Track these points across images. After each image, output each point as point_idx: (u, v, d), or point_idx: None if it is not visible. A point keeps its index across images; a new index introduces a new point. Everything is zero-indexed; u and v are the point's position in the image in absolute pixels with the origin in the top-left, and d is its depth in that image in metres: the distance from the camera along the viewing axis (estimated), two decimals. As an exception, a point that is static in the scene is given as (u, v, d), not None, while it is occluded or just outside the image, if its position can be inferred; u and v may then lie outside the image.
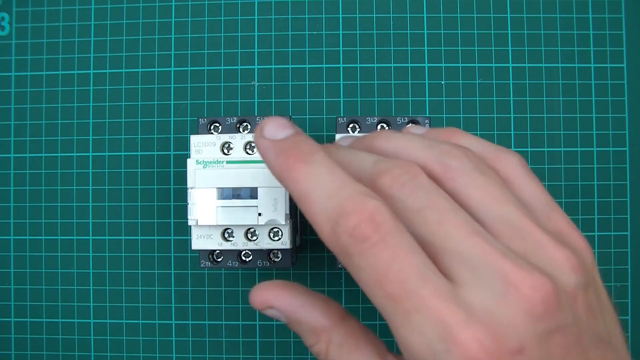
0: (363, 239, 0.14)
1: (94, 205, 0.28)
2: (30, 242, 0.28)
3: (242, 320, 0.27)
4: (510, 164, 0.17)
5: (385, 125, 0.22)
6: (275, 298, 0.17)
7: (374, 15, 0.28)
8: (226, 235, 0.22)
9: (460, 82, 0.28)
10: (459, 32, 0.28)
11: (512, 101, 0.28)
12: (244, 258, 0.23)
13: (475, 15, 0.28)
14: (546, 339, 0.13)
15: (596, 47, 0.28)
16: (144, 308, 0.28)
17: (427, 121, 0.22)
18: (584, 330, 0.14)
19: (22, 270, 0.28)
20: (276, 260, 0.23)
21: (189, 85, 0.28)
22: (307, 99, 0.28)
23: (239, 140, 0.22)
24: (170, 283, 0.28)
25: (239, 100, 0.28)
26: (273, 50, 0.28)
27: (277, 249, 0.22)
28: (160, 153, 0.28)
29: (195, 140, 0.22)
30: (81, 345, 0.28)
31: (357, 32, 0.28)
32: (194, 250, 0.23)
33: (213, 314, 0.27)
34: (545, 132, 0.27)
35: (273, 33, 0.28)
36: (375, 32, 0.28)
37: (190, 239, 0.23)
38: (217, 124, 0.23)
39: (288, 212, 0.22)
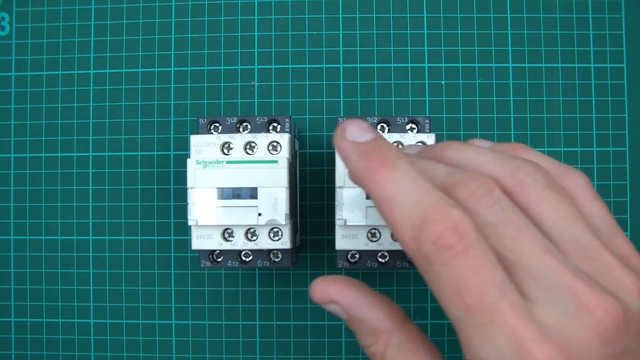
0: (446, 248, 0.14)
1: (94, 205, 0.28)
2: (30, 242, 0.28)
3: (242, 320, 0.27)
4: (578, 183, 0.17)
5: (385, 125, 0.22)
6: (339, 293, 0.17)
7: (374, 15, 0.28)
8: (226, 235, 0.22)
9: (460, 82, 0.28)
10: (459, 32, 0.28)
11: (512, 101, 0.28)
12: (244, 258, 0.23)
13: (475, 15, 0.28)
14: None
15: (596, 47, 0.28)
16: (144, 308, 0.28)
17: (427, 121, 0.22)
18: None
19: (22, 270, 0.28)
20: (276, 260, 0.23)
21: (189, 85, 0.28)
22: (307, 99, 0.28)
23: (239, 140, 0.22)
24: (170, 283, 0.28)
25: (239, 100, 0.28)
26: (273, 50, 0.28)
27: (277, 249, 0.22)
28: (160, 153, 0.28)
29: (195, 140, 0.22)
30: (81, 345, 0.28)
31: (357, 32, 0.28)
32: (194, 250, 0.23)
33: (213, 314, 0.27)
34: (545, 132, 0.27)
35: (273, 33, 0.28)
36: (375, 32, 0.28)
37: (190, 239, 0.23)
38: (217, 124, 0.23)
39: (288, 212, 0.22)
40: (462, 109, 0.27)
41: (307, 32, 0.28)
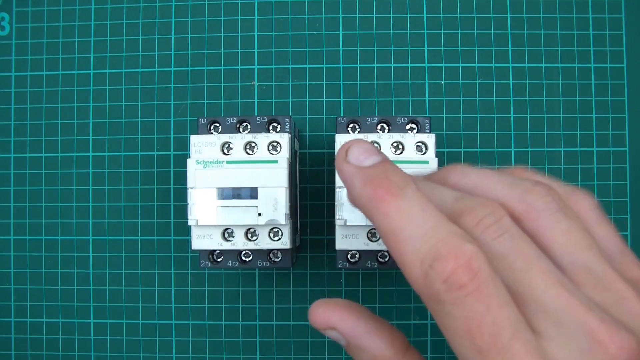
0: (458, 287, 0.13)
1: (94, 205, 0.28)
2: (30, 242, 0.28)
3: (242, 320, 0.27)
4: (584, 205, 0.16)
5: (385, 125, 0.22)
6: (340, 320, 0.17)
7: (374, 15, 0.28)
8: (226, 235, 0.22)
9: (460, 82, 0.28)
10: (459, 32, 0.28)
11: (512, 101, 0.28)
12: (244, 258, 0.23)
13: (475, 15, 0.28)
14: None
15: (596, 47, 0.28)
16: (144, 308, 0.28)
17: (427, 121, 0.22)
18: None
19: (22, 270, 0.28)
20: (276, 260, 0.23)
21: (189, 85, 0.28)
22: (307, 99, 0.28)
23: (239, 140, 0.22)
24: (170, 283, 0.28)
25: (239, 100, 0.28)
26: (273, 50, 0.28)
27: (277, 249, 0.22)
28: (160, 153, 0.28)
29: (195, 140, 0.22)
30: (81, 345, 0.28)
31: (357, 32, 0.28)
32: (194, 250, 0.23)
33: (213, 314, 0.27)
34: (545, 132, 0.27)
35: (273, 33, 0.28)
36: (375, 32, 0.28)
37: (190, 239, 0.23)
38: (217, 124, 0.23)
39: (288, 212, 0.22)
40: (462, 109, 0.27)
41: (307, 32, 0.28)
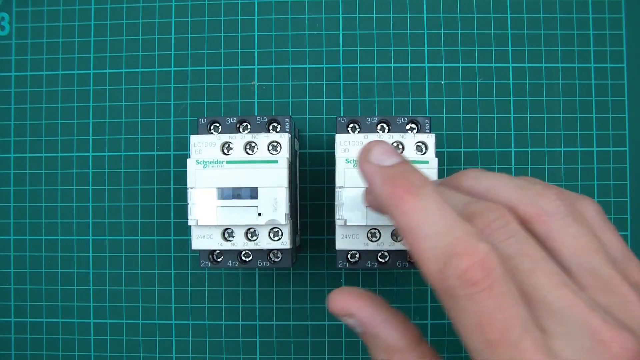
0: (472, 284, 0.14)
1: (94, 205, 0.28)
2: (30, 242, 0.28)
3: (242, 320, 0.27)
4: (590, 211, 0.17)
5: (385, 125, 0.22)
6: (359, 309, 0.17)
7: (374, 15, 0.28)
8: (226, 235, 0.22)
9: (460, 82, 0.28)
10: (459, 32, 0.28)
11: (512, 101, 0.28)
12: (244, 258, 0.23)
13: (475, 15, 0.28)
14: None
15: (596, 47, 0.28)
16: (144, 308, 0.28)
17: (427, 121, 0.22)
18: None
19: (22, 270, 0.28)
20: (276, 260, 0.23)
21: (189, 85, 0.28)
22: (307, 99, 0.28)
23: (239, 140, 0.22)
24: (170, 283, 0.28)
25: (239, 100, 0.28)
26: (273, 50, 0.28)
27: (277, 249, 0.22)
28: (160, 153, 0.28)
29: (195, 140, 0.22)
30: (81, 345, 0.28)
31: (357, 32, 0.28)
32: (194, 250, 0.23)
33: (213, 314, 0.27)
34: (545, 132, 0.27)
35: (273, 33, 0.28)
36: (375, 32, 0.28)
37: (190, 239, 0.23)
38: (217, 124, 0.23)
39: (288, 212, 0.22)
40: (462, 109, 0.27)
41: (307, 32, 0.28)
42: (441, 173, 0.27)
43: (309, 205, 0.27)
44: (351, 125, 0.22)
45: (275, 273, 0.28)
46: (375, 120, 0.22)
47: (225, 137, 0.22)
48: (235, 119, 0.22)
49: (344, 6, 0.28)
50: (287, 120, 0.22)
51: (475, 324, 0.14)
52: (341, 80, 0.28)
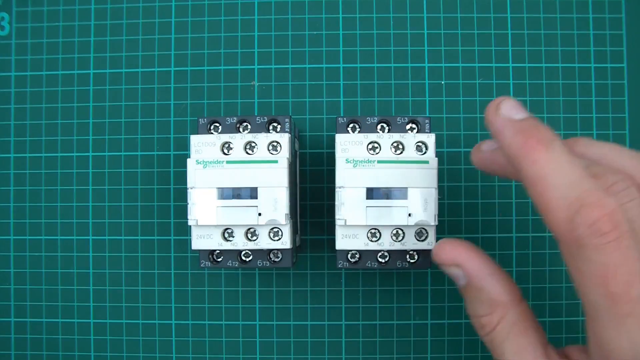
0: (601, 234, 0.14)
1: (94, 205, 0.28)
2: (30, 242, 0.28)
3: (242, 320, 0.27)
4: None
5: (385, 125, 0.22)
6: (467, 259, 0.17)
7: (374, 15, 0.28)
8: (226, 235, 0.22)
9: (460, 82, 0.28)
10: (459, 32, 0.28)
11: (512, 101, 0.28)
12: (244, 258, 0.23)
13: (475, 15, 0.28)
14: None
15: (596, 47, 0.28)
16: (143, 308, 0.28)
17: (427, 121, 0.22)
18: None
19: (22, 270, 0.28)
20: (276, 260, 0.23)
21: (189, 85, 0.28)
22: (307, 99, 0.28)
23: (239, 140, 0.22)
24: (170, 283, 0.28)
25: (239, 100, 0.28)
26: (273, 50, 0.28)
27: (277, 249, 0.22)
28: (160, 153, 0.28)
29: (195, 140, 0.22)
30: (81, 345, 0.28)
31: (357, 32, 0.28)
32: (194, 250, 0.23)
33: (213, 314, 0.27)
34: (545, 132, 0.27)
35: (273, 33, 0.28)
36: (375, 32, 0.28)
37: (190, 239, 0.23)
38: (217, 124, 0.23)
39: (288, 212, 0.22)
40: (462, 109, 0.27)
41: (307, 32, 0.28)
42: (441, 173, 0.27)
43: (309, 205, 0.27)
44: (351, 125, 0.22)
45: (275, 273, 0.28)
46: (375, 120, 0.22)
47: (225, 137, 0.22)
48: (235, 119, 0.22)
49: (344, 6, 0.28)
50: (287, 120, 0.22)
51: (600, 275, 0.14)
52: (341, 80, 0.28)
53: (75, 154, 0.28)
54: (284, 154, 0.22)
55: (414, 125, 0.22)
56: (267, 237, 0.22)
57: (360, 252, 0.22)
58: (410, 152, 0.22)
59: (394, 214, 0.21)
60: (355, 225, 0.22)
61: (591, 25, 0.28)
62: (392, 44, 0.28)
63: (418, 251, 0.22)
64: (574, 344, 0.18)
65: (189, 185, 0.22)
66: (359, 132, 0.22)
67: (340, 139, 0.22)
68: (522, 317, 0.17)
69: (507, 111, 0.16)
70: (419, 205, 0.21)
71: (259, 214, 0.22)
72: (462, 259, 0.17)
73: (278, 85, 0.28)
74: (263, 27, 0.28)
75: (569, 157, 0.15)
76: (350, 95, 0.28)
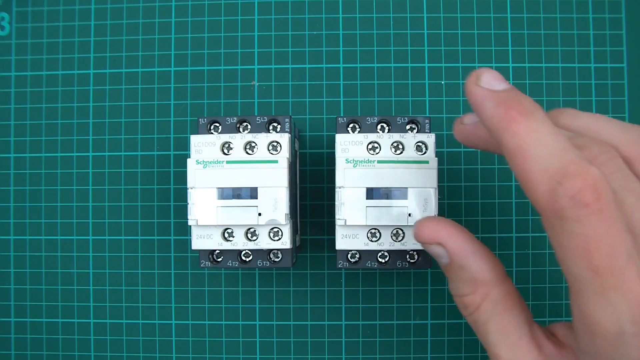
0: (584, 205, 0.13)
1: (94, 205, 0.28)
2: (30, 242, 0.28)
3: (242, 320, 0.27)
4: None
5: (385, 125, 0.22)
6: (449, 237, 0.17)
7: (374, 15, 0.28)
8: (226, 235, 0.22)
9: (460, 82, 0.28)
10: (459, 32, 0.28)
11: (512, 101, 0.28)
12: (244, 258, 0.23)
13: (475, 15, 0.28)
14: None
15: (596, 47, 0.28)
16: (143, 308, 0.28)
17: (427, 121, 0.22)
18: None
19: (22, 270, 0.28)
20: (276, 260, 0.23)
21: (189, 85, 0.28)
22: (307, 99, 0.28)
23: (239, 140, 0.22)
24: (170, 283, 0.28)
25: (239, 100, 0.28)
26: (273, 50, 0.28)
27: (277, 249, 0.22)
28: (160, 153, 0.28)
29: (195, 140, 0.22)
30: (81, 345, 0.28)
31: (357, 32, 0.28)
32: (194, 250, 0.23)
33: (213, 314, 0.27)
34: (545, 132, 0.27)
35: (273, 33, 0.28)
36: (375, 32, 0.28)
37: (190, 239, 0.23)
38: (217, 124, 0.23)
39: (288, 212, 0.22)
40: (462, 109, 0.27)
41: (307, 32, 0.28)
42: (441, 173, 0.27)
43: (309, 205, 0.27)
44: (351, 125, 0.22)
45: (275, 273, 0.28)
46: (375, 120, 0.22)
47: (225, 137, 0.22)
48: (235, 119, 0.22)
49: (344, 6, 0.28)
50: (287, 120, 0.22)
51: (582, 248, 0.13)
52: (341, 80, 0.28)
53: (75, 154, 0.28)
54: (284, 154, 0.22)
55: (414, 125, 0.22)
56: (267, 237, 0.22)
57: (360, 252, 0.22)
58: (410, 152, 0.22)
59: (394, 214, 0.21)
60: (355, 225, 0.22)
61: (591, 25, 0.28)
62: (392, 44, 0.28)
63: (418, 251, 0.22)
64: (560, 321, 0.18)
65: (189, 185, 0.22)
66: (359, 132, 0.22)
67: (340, 139, 0.22)
68: (506, 296, 0.17)
69: (488, 82, 0.16)
70: (419, 206, 0.21)
71: (259, 214, 0.22)
72: (443, 237, 0.17)
73: (278, 85, 0.28)
74: (263, 27, 0.28)
75: (551, 128, 0.14)
76: (350, 95, 0.28)
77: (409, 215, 0.21)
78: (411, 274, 0.27)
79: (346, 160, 0.21)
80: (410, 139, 0.22)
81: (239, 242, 0.22)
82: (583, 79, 0.28)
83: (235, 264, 0.22)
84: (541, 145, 0.14)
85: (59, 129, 0.28)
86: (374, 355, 0.27)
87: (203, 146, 0.22)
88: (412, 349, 0.27)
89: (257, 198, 0.22)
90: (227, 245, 0.22)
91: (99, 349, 0.28)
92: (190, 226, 0.22)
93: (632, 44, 0.28)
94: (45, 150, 0.28)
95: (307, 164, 0.28)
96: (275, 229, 0.22)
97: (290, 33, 0.28)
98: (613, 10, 0.28)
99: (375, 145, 0.22)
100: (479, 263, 0.17)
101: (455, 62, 0.28)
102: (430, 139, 0.22)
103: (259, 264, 0.22)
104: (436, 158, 0.22)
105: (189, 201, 0.22)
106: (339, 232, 0.22)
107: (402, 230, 0.22)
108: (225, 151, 0.22)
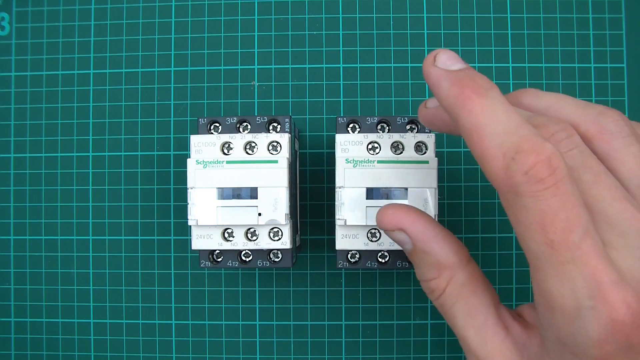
0: (538, 181, 0.13)
1: (94, 205, 0.28)
2: (30, 242, 0.28)
3: (242, 320, 0.27)
4: None
5: (385, 125, 0.22)
6: (411, 223, 0.17)
7: (374, 15, 0.28)
8: (226, 235, 0.22)
9: (460, 82, 0.28)
10: (459, 32, 0.28)
11: (512, 101, 0.28)
12: (244, 258, 0.23)
13: (475, 15, 0.28)
14: None
15: (596, 47, 0.28)
16: (144, 308, 0.28)
17: (427, 121, 0.22)
18: None
19: (22, 270, 0.28)
20: (276, 260, 0.23)
21: (189, 85, 0.28)
22: (307, 99, 0.28)
23: (239, 140, 0.22)
24: (170, 283, 0.28)
25: (239, 100, 0.28)
26: (273, 50, 0.28)
27: (277, 249, 0.22)
28: (160, 153, 0.28)
29: (195, 140, 0.22)
30: (81, 345, 0.28)
31: (357, 32, 0.28)
32: (194, 250, 0.23)
33: (213, 314, 0.27)
34: (545, 132, 0.27)
35: (273, 33, 0.28)
36: (375, 32, 0.28)
37: (190, 239, 0.23)
38: (217, 124, 0.23)
39: (288, 212, 0.22)
40: (462, 109, 0.27)
41: (307, 32, 0.28)
42: (441, 173, 0.27)
43: (309, 205, 0.27)
44: (351, 125, 0.22)
45: (275, 273, 0.28)
46: (375, 120, 0.22)
47: (225, 137, 0.22)
48: (235, 119, 0.22)
49: (344, 6, 0.28)
50: (287, 120, 0.22)
51: (538, 223, 0.14)
52: (341, 80, 0.28)
53: (75, 154, 0.28)
54: (284, 154, 0.22)
55: (413, 125, 0.22)
56: (267, 237, 0.22)
57: (360, 252, 0.22)
58: (410, 152, 0.22)
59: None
60: (355, 225, 0.22)
61: (591, 25, 0.28)
62: (392, 44, 0.28)
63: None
64: (526, 303, 0.18)
65: (189, 185, 0.22)
66: (359, 132, 0.22)
67: (340, 139, 0.22)
68: (471, 278, 0.17)
69: (444, 62, 0.16)
70: (419, 205, 0.21)
71: (259, 214, 0.22)
72: (405, 223, 0.17)
73: (278, 85, 0.28)
74: (263, 27, 0.28)
75: (506, 106, 0.15)
76: (350, 95, 0.28)
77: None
78: (411, 274, 0.27)
79: (346, 160, 0.21)
80: (410, 139, 0.22)
81: (239, 242, 0.22)
82: (583, 79, 0.28)
83: (235, 264, 0.22)
84: (495, 122, 0.14)
85: (59, 129, 0.28)
86: (374, 355, 0.27)
87: (203, 146, 0.22)
88: (412, 349, 0.27)
89: (257, 198, 0.22)
90: (227, 245, 0.22)
91: (99, 349, 0.28)
92: (190, 226, 0.22)
93: (632, 44, 0.28)
94: (45, 150, 0.28)
95: (307, 164, 0.28)
96: (275, 229, 0.22)
97: (290, 33, 0.28)
98: (613, 10, 0.28)
99: (375, 145, 0.22)
100: (441, 246, 0.17)
101: (455, 62, 0.28)
102: (430, 139, 0.22)
103: (259, 264, 0.22)
104: (436, 158, 0.22)
105: (189, 201, 0.22)
106: (339, 232, 0.22)
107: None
108: (225, 151, 0.22)
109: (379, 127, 0.22)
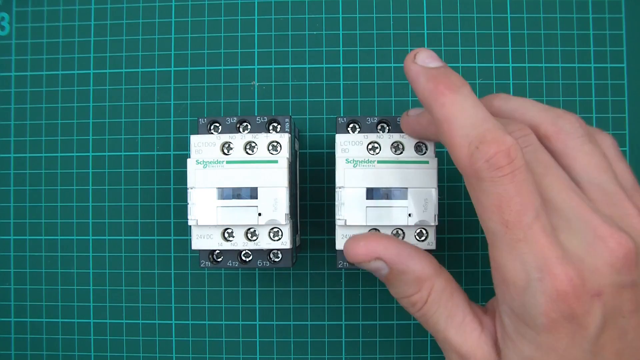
0: (497, 168, 0.15)
1: (94, 205, 0.28)
2: (30, 242, 0.28)
3: (242, 320, 0.27)
4: (605, 141, 0.19)
5: (385, 125, 0.22)
6: (385, 249, 0.18)
7: (374, 15, 0.28)
8: (226, 235, 0.22)
9: (460, 82, 0.28)
10: (459, 32, 0.28)
11: (512, 101, 0.28)
12: (244, 258, 0.23)
13: (475, 15, 0.28)
14: (620, 290, 0.15)
15: (596, 47, 0.28)
16: (144, 308, 0.28)
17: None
18: None
19: (22, 270, 0.28)
20: (276, 260, 0.23)
21: (189, 85, 0.28)
22: (307, 99, 0.28)
23: (239, 140, 0.22)
24: (170, 283, 0.28)
25: (239, 100, 0.28)
26: (273, 50, 0.28)
27: (277, 249, 0.22)
28: (160, 153, 0.28)
29: (195, 140, 0.22)
30: (81, 345, 0.28)
31: (357, 32, 0.28)
32: (194, 250, 0.23)
33: (213, 314, 0.27)
34: (545, 132, 0.27)
35: (273, 33, 0.28)
36: (375, 32, 0.28)
37: (190, 239, 0.23)
38: (217, 124, 0.23)
39: (288, 212, 0.22)
40: (462, 109, 0.27)
41: (307, 32, 0.28)
42: (441, 173, 0.27)
43: (309, 205, 0.27)
44: (351, 125, 0.22)
45: (275, 273, 0.28)
46: (375, 120, 0.22)
47: (225, 137, 0.22)
48: (235, 119, 0.22)
49: (344, 6, 0.28)
50: (287, 120, 0.22)
51: (495, 205, 0.15)
52: (341, 80, 0.28)
53: (75, 154, 0.28)
54: (284, 154, 0.22)
55: (414, 125, 0.22)
56: (267, 237, 0.22)
57: (360, 252, 0.22)
58: (410, 152, 0.22)
59: (394, 214, 0.21)
60: (355, 225, 0.22)
61: (591, 25, 0.28)
62: (392, 44, 0.28)
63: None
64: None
65: (189, 185, 0.22)
66: (359, 132, 0.22)
67: (340, 139, 0.22)
68: (446, 283, 0.18)
69: (423, 60, 0.17)
70: (419, 206, 0.21)
71: (259, 214, 0.22)
72: (379, 250, 0.18)
73: (278, 85, 0.28)
74: (263, 27, 0.28)
75: (474, 102, 0.16)
76: (350, 95, 0.28)
77: (409, 215, 0.21)
78: (411, 274, 0.27)
79: (346, 160, 0.21)
80: (410, 139, 0.22)
81: (239, 242, 0.22)
82: (583, 79, 0.28)
83: (235, 264, 0.22)
84: (464, 115, 0.16)
85: (59, 129, 0.28)
86: (374, 355, 0.27)
87: (203, 146, 0.22)
88: (412, 349, 0.27)
89: (257, 198, 0.22)
90: (227, 245, 0.22)
91: (99, 349, 0.28)
92: (190, 226, 0.22)
93: (632, 44, 0.28)
94: (45, 150, 0.28)
95: (307, 164, 0.28)
96: (275, 229, 0.22)
97: (290, 33, 0.28)
98: (613, 10, 0.28)
99: (375, 145, 0.22)
100: (416, 262, 0.18)
101: (456, 62, 0.28)
102: (430, 139, 0.22)
103: (259, 264, 0.22)
104: (436, 158, 0.22)
105: (189, 201, 0.22)
106: (339, 232, 0.22)
107: (402, 230, 0.22)
108: (225, 151, 0.22)
109: (379, 127, 0.22)
